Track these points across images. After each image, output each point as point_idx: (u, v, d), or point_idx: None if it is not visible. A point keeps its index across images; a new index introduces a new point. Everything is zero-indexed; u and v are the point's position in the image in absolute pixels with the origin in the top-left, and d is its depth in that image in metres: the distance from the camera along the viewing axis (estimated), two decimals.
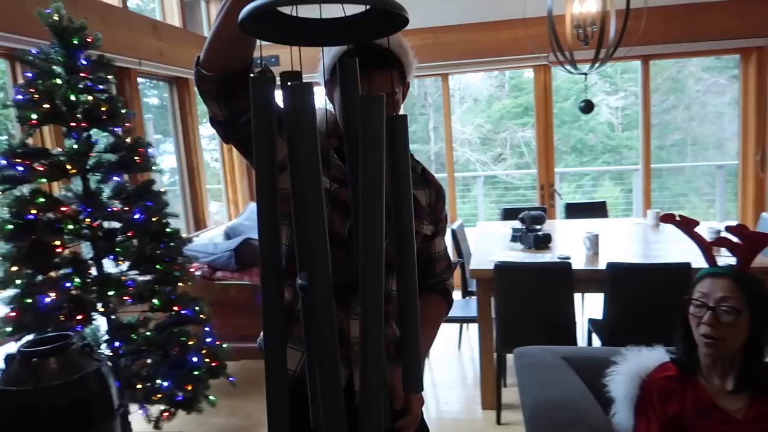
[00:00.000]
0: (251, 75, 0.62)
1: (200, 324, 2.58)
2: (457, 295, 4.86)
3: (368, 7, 0.57)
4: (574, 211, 4.51)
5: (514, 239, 3.37)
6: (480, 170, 10.47)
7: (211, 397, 2.57)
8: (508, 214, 4.34)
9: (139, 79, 3.68)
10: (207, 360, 2.56)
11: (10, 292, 2.24)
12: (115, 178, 2.41)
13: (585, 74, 3.30)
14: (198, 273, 2.97)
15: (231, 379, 2.68)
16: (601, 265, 2.68)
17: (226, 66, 0.85)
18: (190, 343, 2.49)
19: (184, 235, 2.60)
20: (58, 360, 1.60)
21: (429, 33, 4.74)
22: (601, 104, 10.37)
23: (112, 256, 2.39)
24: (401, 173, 0.67)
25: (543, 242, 3.21)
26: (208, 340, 2.62)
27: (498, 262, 2.70)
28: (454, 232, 3.60)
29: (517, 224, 3.45)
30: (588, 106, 3.55)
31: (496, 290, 2.73)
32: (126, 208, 2.40)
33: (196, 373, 2.49)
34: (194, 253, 3.34)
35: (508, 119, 11.22)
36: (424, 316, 1.32)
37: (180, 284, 2.52)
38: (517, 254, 3.13)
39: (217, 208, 5.62)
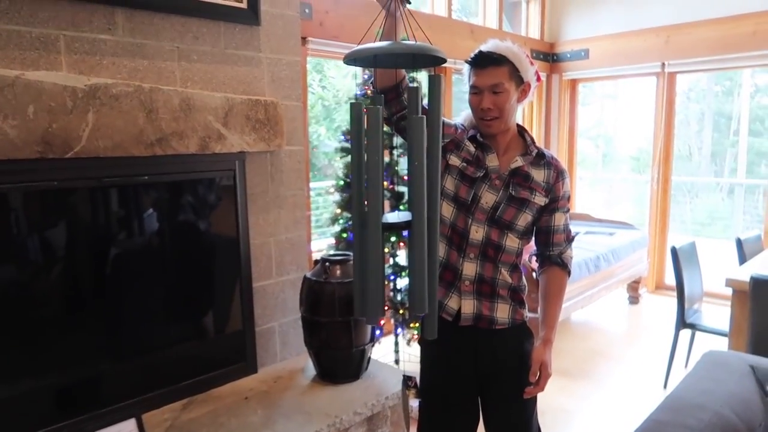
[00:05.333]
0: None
1: None
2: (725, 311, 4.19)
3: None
4: None
5: None
6: None
7: None
8: None
9: (454, 76, 4.46)
10: None
11: (336, 228, 3.31)
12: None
13: None
14: None
15: None
16: None
17: (381, 85, 1.41)
18: None
19: None
20: (340, 268, 2.36)
21: None
22: None
23: (398, 209, 3.22)
24: (434, 119, 1.09)
25: None
26: None
27: (756, 274, 2.46)
28: (739, 241, 3.25)
29: None
30: None
31: (751, 305, 2.49)
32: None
33: None
34: None
35: None
36: (549, 288, 1.61)
37: None
38: None
39: None
